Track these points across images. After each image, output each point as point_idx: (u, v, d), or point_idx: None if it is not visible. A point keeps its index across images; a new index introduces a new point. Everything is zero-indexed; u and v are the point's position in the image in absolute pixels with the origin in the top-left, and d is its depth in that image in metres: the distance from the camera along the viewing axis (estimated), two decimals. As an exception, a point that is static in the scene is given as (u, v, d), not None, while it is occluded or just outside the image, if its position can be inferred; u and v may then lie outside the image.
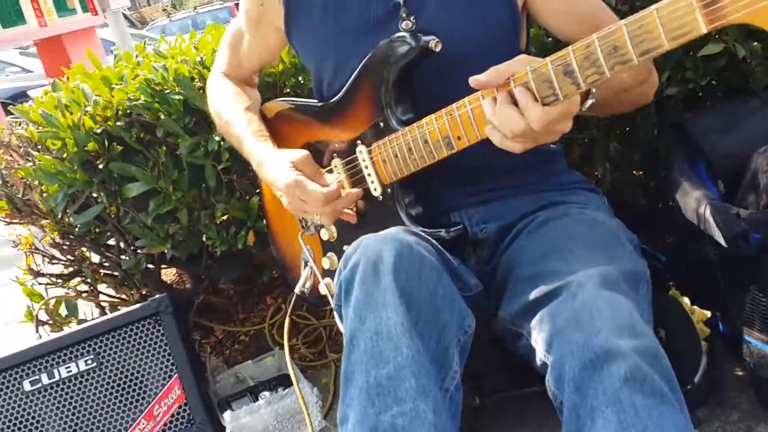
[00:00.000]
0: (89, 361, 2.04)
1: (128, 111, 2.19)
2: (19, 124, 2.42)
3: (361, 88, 1.55)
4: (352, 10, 1.58)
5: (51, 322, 2.46)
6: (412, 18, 1.53)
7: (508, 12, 1.53)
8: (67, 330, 2.04)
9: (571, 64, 1.15)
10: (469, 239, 1.52)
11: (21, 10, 7.68)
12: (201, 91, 2.13)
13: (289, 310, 1.75)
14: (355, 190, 1.56)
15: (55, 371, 2.03)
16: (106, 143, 2.21)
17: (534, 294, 1.33)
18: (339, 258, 1.65)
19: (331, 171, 1.63)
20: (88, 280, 2.54)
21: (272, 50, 1.82)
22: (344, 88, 1.59)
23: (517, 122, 1.21)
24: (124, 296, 2.56)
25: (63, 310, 2.49)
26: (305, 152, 1.56)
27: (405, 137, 1.44)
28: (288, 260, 1.93)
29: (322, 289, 1.70)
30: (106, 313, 2.52)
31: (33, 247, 2.52)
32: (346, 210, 1.58)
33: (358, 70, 1.54)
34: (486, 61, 1.29)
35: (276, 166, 1.57)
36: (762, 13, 0.91)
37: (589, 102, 1.25)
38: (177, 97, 2.14)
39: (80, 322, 2.50)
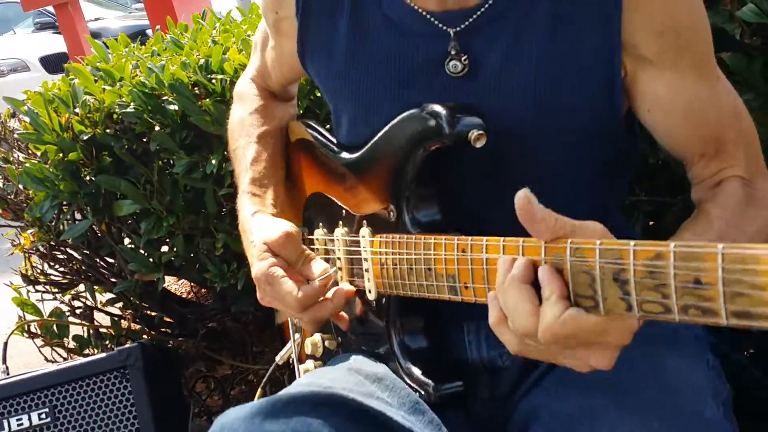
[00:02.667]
0: (43, 415, 1.75)
1: (120, 117, 1.84)
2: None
3: (379, 160, 1.14)
4: (382, 44, 1.16)
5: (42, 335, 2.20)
6: (463, 59, 1.08)
7: (607, 99, 1.06)
8: (20, 375, 1.76)
9: (627, 270, 0.70)
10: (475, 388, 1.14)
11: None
12: (200, 103, 1.74)
13: (264, 381, 1.46)
14: (346, 287, 1.17)
15: (5, 422, 1.74)
16: (94, 152, 1.87)
17: None
18: (323, 344, 1.30)
19: (331, 242, 1.24)
20: (86, 295, 2.26)
21: (294, 67, 1.35)
22: (364, 149, 1.18)
23: (522, 314, 0.80)
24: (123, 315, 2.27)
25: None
26: (289, 230, 1.17)
27: (410, 249, 1.04)
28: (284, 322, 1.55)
29: (301, 372, 1.37)
30: (100, 334, 2.23)
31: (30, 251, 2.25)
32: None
33: (380, 135, 1.13)
34: (567, 159, 1.04)
35: (253, 246, 1.20)
36: None
37: None
38: (174, 107, 1.77)
39: (75, 338, 2.25)
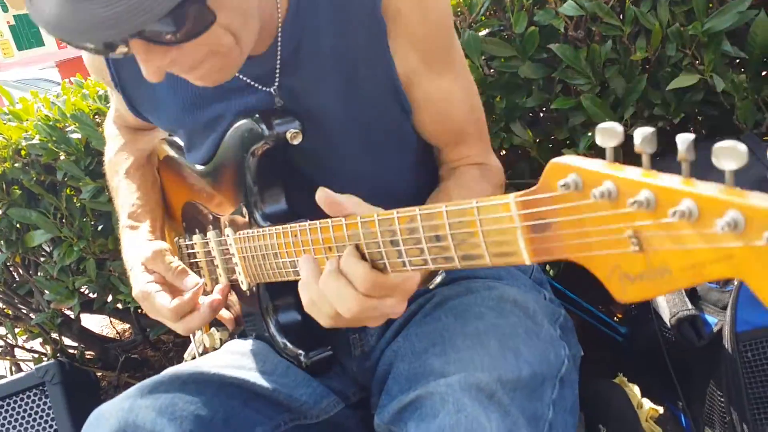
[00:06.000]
0: (-36, 436, 1.81)
1: (25, 150, 1.96)
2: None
3: (224, 166, 1.27)
4: (210, 97, 1.26)
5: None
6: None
7: (397, 105, 1.23)
8: (-61, 400, 1.82)
9: (396, 234, 0.86)
10: (348, 347, 1.28)
11: (39, 32, 7.63)
12: (101, 128, 1.88)
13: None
14: (214, 297, 1.26)
15: (-75, 446, 1.80)
16: (4, 187, 1.98)
17: (405, 399, 1.05)
18: (219, 339, 1.41)
19: (206, 244, 1.36)
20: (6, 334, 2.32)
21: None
22: (212, 160, 1.31)
23: (337, 291, 0.92)
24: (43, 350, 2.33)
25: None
26: (156, 248, 1.29)
27: (262, 240, 1.16)
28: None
29: None
30: (21, 370, 2.29)
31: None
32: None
33: (220, 149, 1.27)
34: (376, 156, 1.17)
35: (134, 270, 1.31)
36: (593, 262, 0.62)
37: (438, 279, 1.03)
38: (76, 136, 1.90)
39: (-2, 378, 2.30)
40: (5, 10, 6.43)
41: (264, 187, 1.21)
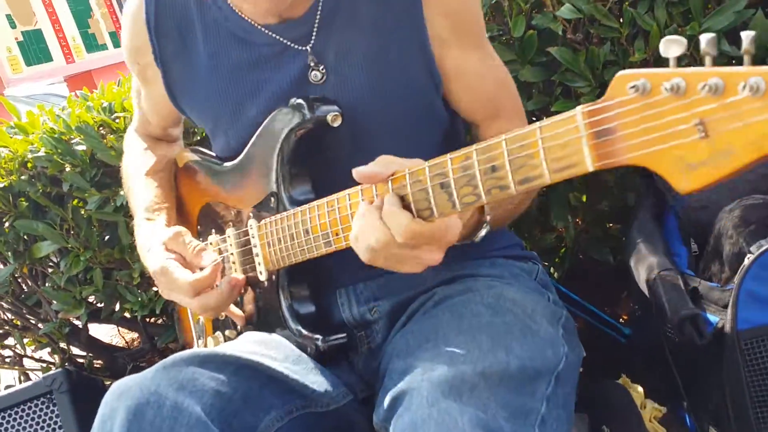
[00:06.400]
0: (-27, 446, 1.82)
1: (31, 163, 1.99)
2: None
3: (257, 156, 1.31)
4: (244, 69, 1.32)
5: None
6: (321, 68, 1.27)
7: (428, 75, 1.28)
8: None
9: (448, 175, 0.92)
10: (355, 343, 1.32)
11: (47, 48, 7.70)
12: (105, 140, 1.90)
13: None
14: (233, 276, 1.29)
15: (-64, 456, 1.82)
16: (11, 199, 2.00)
17: (393, 395, 1.08)
18: (225, 339, 1.42)
19: (223, 240, 1.38)
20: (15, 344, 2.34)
21: (171, 110, 1.50)
22: (242, 154, 1.35)
23: (376, 230, 0.98)
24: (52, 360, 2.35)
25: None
26: (177, 229, 1.32)
27: (290, 221, 1.21)
28: (187, 338, 1.68)
29: None
30: (30, 380, 2.31)
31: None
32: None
33: (255, 136, 1.31)
34: (406, 133, 1.22)
35: (152, 250, 1.33)
36: (656, 157, 0.70)
37: (483, 233, 1.07)
38: (81, 147, 1.92)
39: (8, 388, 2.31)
40: (13, 26, 6.49)
41: (296, 170, 1.27)
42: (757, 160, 0.61)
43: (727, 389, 1.26)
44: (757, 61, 0.61)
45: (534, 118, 1.87)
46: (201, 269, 1.28)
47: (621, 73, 0.70)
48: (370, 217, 0.99)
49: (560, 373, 1.13)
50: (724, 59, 1.63)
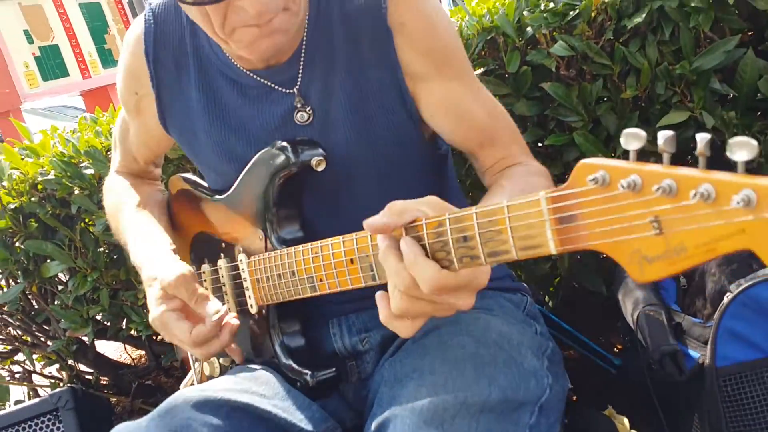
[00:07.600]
0: (-20, 461, 1.87)
1: (41, 185, 2.05)
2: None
3: (245, 195, 1.34)
4: (233, 106, 1.35)
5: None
6: (308, 109, 1.30)
7: (405, 112, 1.30)
8: (-45, 426, 1.89)
9: (423, 239, 0.92)
10: (346, 372, 1.35)
11: (64, 63, 7.77)
12: (113, 165, 1.96)
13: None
14: (232, 322, 1.27)
15: (-57, 471, 1.87)
16: (21, 220, 2.07)
17: (378, 422, 1.11)
18: (219, 366, 1.48)
19: (216, 272, 1.42)
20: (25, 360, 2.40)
21: (161, 140, 1.54)
22: (231, 189, 1.38)
23: (401, 274, 0.94)
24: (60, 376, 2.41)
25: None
26: (184, 272, 1.28)
27: (277, 261, 1.23)
28: (185, 355, 1.72)
29: None
30: (39, 396, 2.37)
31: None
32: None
33: (243, 173, 1.34)
34: (390, 171, 1.23)
35: (152, 288, 1.31)
36: (615, 247, 0.71)
37: None
38: (90, 171, 1.98)
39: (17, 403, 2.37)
40: (30, 41, 6.60)
41: (283, 212, 1.29)
42: (712, 259, 0.62)
43: (706, 424, 1.29)
44: (721, 143, 0.62)
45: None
46: (202, 316, 1.26)
47: (582, 162, 0.71)
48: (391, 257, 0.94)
49: (544, 404, 1.16)
50: (715, 97, 1.68)
